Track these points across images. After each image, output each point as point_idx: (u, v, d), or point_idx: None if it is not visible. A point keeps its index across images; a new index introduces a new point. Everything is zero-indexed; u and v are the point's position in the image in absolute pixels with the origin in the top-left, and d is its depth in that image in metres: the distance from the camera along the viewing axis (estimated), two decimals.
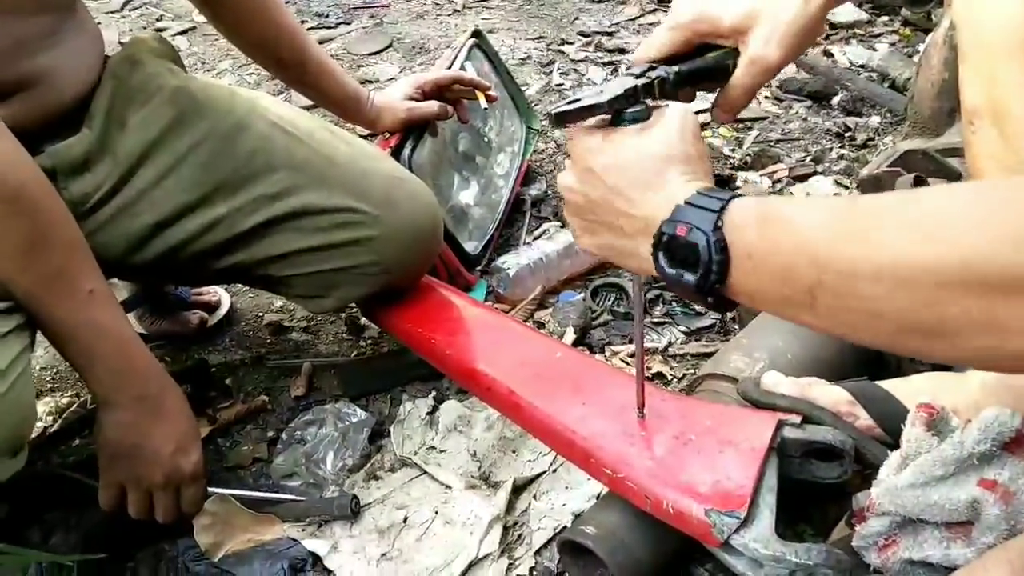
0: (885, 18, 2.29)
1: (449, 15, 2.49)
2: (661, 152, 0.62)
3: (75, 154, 0.96)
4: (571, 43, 2.25)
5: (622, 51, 2.18)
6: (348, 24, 2.46)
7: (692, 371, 1.17)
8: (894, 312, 0.47)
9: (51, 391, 1.26)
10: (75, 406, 1.21)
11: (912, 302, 0.46)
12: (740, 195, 0.57)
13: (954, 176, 1.14)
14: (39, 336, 0.86)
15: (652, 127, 0.64)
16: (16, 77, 0.89)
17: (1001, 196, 0.44)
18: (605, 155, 0.64)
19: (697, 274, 0.56)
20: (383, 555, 0.95)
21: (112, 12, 2.57)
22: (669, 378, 1.17)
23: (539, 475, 1.02)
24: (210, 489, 0.98)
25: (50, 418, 1.19)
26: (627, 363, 1.19)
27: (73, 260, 0.84)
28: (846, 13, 2.28)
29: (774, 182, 1.59)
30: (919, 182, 1.06)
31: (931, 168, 1.14)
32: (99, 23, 1.08)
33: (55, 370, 1.30)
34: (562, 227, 1.48)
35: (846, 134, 1.74)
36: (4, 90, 0.87)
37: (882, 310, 0.47)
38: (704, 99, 0.85)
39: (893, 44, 2.15)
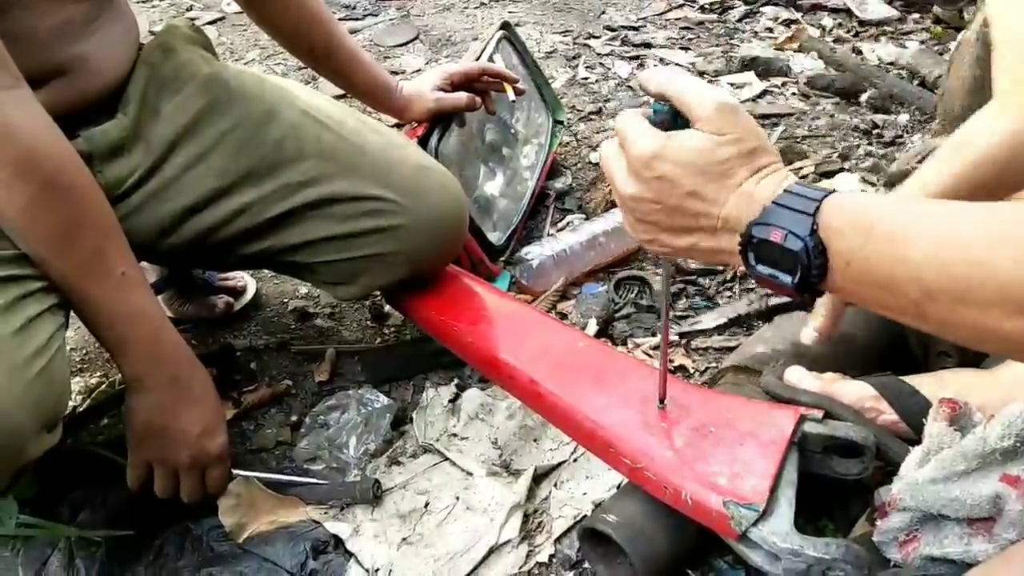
0: (916, 15, 2.27)
1: (475, 8, 2.50)
2: (729, 147, 0.61)
3: (110, 139, 0.98)
4: (597, 37, 2.24)
5: (648, 46, 2.18)
6: (375, 16, 2.48)
7: (715, 364, 1.17)
8: (1010, 331, 0.48)
9: (80, 372, 1.28)
10: (103, 386, 1.23)
11: None
12: (830, 192, 0.56)
13: None
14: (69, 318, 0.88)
15: (709, 124, 0.62)
16: (55, 62, 0.91)
17: None
18: (671, 158, 0.61)
19: (794, 277, 0.56)
20: (404, 539, 0.96)
21: (143, 1, 2.59)
22: (691, 371, 1.17)
23: (560, 464, 1.02)
24: (234, 471, 1.00)
25: (79, 398, 1.21)
26: (649, 355, 1.19)
27: (108, 243, 0.85)
28: (876, 10, 2.26)
29: (800, 178, 1.58)
30: None
31: None
32: None
33: (84, 351, 1.33)
34: (586, 219, 1.48)
35: (874, 131, 1.73)
36: (43, 75, 0.88)
37: (996, 328, 0.48)
38: None
39: (923, 42, 2.13)
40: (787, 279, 0.57)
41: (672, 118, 0.65)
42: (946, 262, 0.50)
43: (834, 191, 0.57)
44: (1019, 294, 0.46)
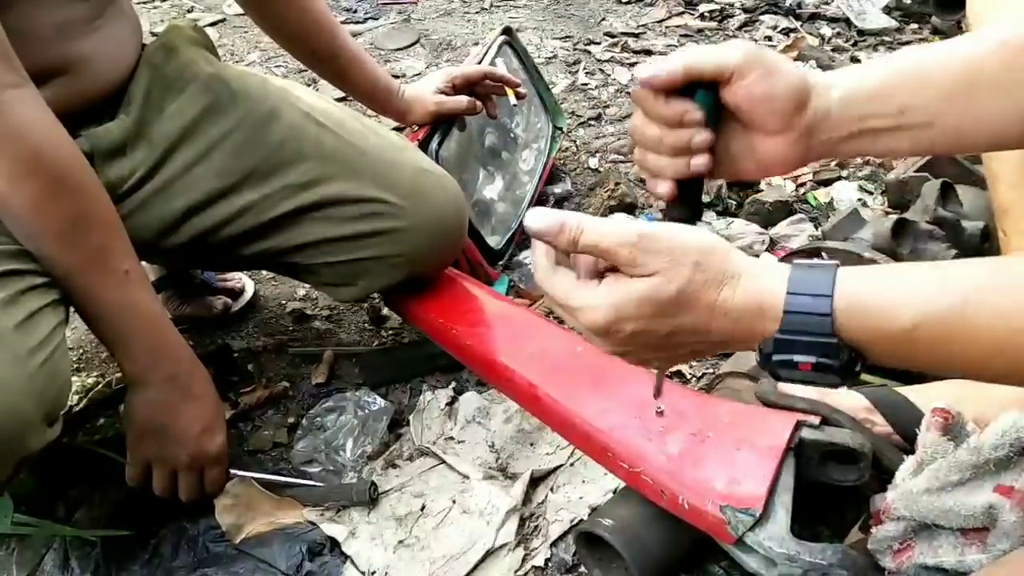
0: (914, 25, 2.28)
1: (476, 13, 2.50)
2: (671, 282, 0.55)
3: (112, 139, 0.98)
4: (597, 43, 2.25)
5: (648, 52, 2.18)
6: (376, 19, 2.48)
7: (712, 370, 1.17)
8: None
9: (77, 371, 1.28)
10: (101, 386, 1.23)
11: None
12: (839, 279, 0.53)
13: (981, 182, 1.14)
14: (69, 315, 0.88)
15: (638, 269, 0.56)
16: (58, 61, 0.91)
17: None
18: (628, 317, 0.56)
19: (837, 379, 0.55)
20: (400, 542, 0.96)
21: (144, 2, 2.60)
22: (688, 376, 1.17)
23: (556, 468, 1.02)
24: (232, 471, 1.00)
25: (76, 397, 1.21)
26: None
27: (111, 240, 0.86)
28: (875, 20, 2.28)
29: (798, 186, 1.59)
30: (946, 187, 1.06)
31: (958, 173, 1.14)
32: None
33: (81, 351, 1.33)
34: None
35: None
36: (46, 73, 0.89)
37: None
38: None
39: None
40: (830, 379, 0.55)
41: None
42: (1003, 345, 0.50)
43: (836, 267, 0.54)
44: None
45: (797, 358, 0.54)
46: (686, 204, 0.68)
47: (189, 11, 2.55)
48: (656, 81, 0.63)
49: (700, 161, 0.64)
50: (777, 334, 0.54)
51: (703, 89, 0.63)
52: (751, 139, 0.65)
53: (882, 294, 0.53)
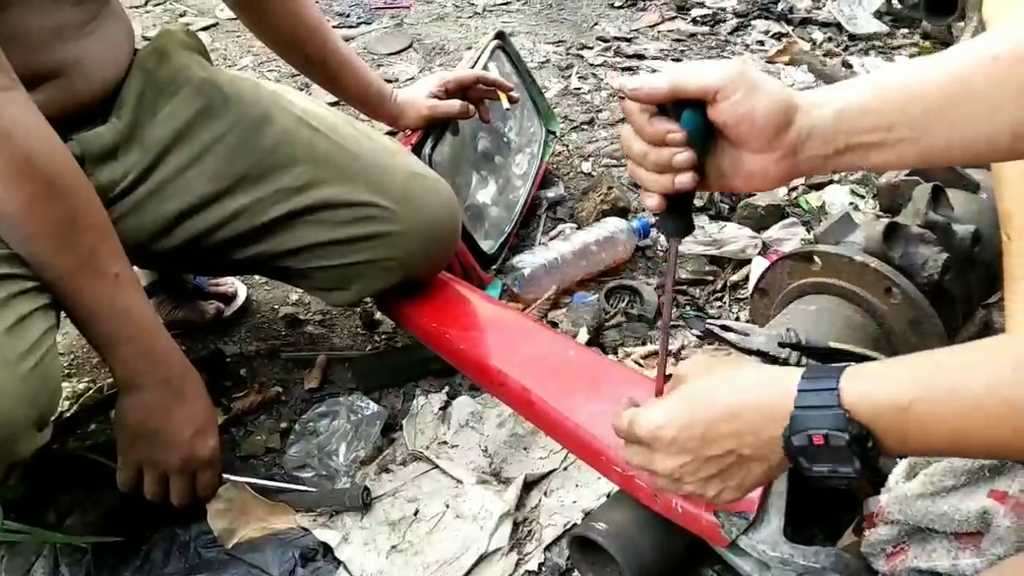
0: (905, 30, 2.29)
1: (469, 17, 2.51)
2: (733, 386, 0.64)
3: (104, 142, 0.98)
4: (590, 48, 2.26)
5: (640, 57, 2.19)
6: (369, 24, 2.48)
7: None
8: None
9: (68, 377, 1.27)
10: (91, 391, 1.22)
11: None
12: (839, 370, 0.58)
13: (972, 186, 1.15)
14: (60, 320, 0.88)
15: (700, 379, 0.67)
16: (51, 65, 0.91)
17: None
18: (692, 426, 0.64)
19: (854, 466, 0.58)
20: (393, 547, 0.96)
21: (136, 6, 2.59)
22: None
23: (550, 472, 1.02)
24: (224, 476, 1.00)
25: (66, 403, 1.20)
26: (640, 364, 1.20)
27: (102, 244, 0.86)
28: (866, 25, 2.29)
29: (790, 190, 1.60)
30: (937, 191, 1.06)
31: (950, 178, 1.14)
32: None
33: (72, 356, 1.32)
34: (577, 228, 1.49)
35: None
36: (38, 77, 0.88)
37: None
38: None
39: (912, 56, 2.15)
40: (848, 469, 0.59)
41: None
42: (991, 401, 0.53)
43: (847, 366, 0.59)
44: None
45: (809, 430, 0.58)
46: (676, 216, 0.69)
47: (182, 15, 2.55)
48: (640, 95, 0.64)
49: (683, 179, 0.65)
50: (791, 411, 0.59)
51: (689, 108, 0.64)
52: (739, 155, 0.66)
53: (882, 374, 0.59)
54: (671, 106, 0.64)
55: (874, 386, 0.58)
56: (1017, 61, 0.57)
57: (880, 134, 0.61)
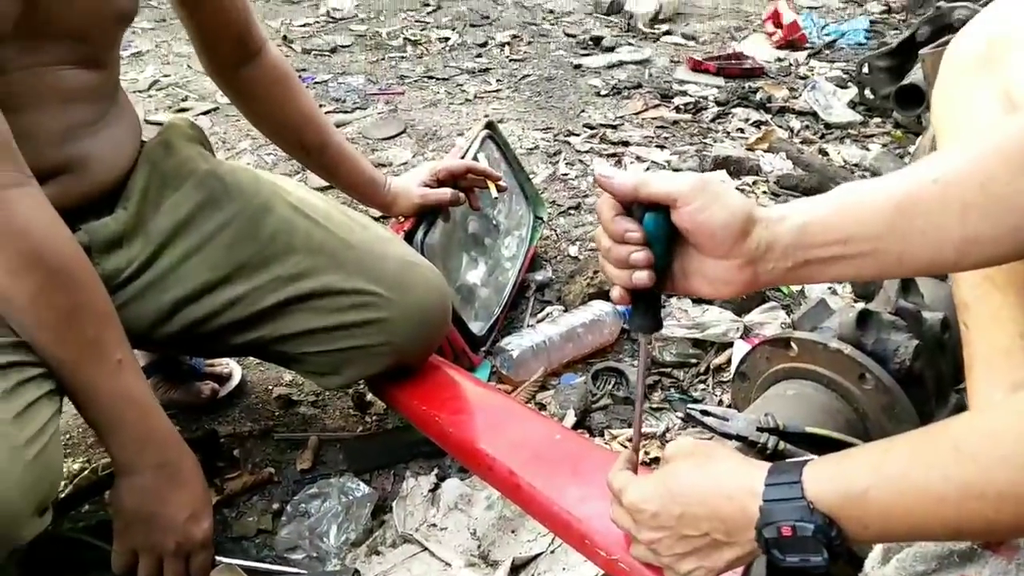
0: (878, 119, 2.40)
1: (460, 104, 2.60)
2: (710, 470, 0.69)
3: (110, 232, 1.02)
4: (577, 134, 2.34)
5: (625, 143, 2.27)
6: (364, 109, 2.57)
7: None
8: None
9: (63, 457, 1.28)
10: (86, 472, 1.23)
11: None
12: (800, 463, 0.63)
13: (940, 274, 1.19)
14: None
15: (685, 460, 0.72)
16: (61, 161, 0.96)
17: None
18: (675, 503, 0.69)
19: (823, 555, 0.62)
20: None
21: (140, 91, 2.68)
22: None
23: (537, 555, 1.04)
24: (217, 558, 1.01)
25: (62, 483, 1.21)
26: (626, 447, 1.22)
27: (106, 331, 0.89)
28: (841, 114, 2.39)
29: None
30: (907, 280, 1.11)
31: None
32: None
33: (68, 435, 1.33)
34: (565, 311, 1.53)
35: None
36: (49, 172, 0.93)
37: None
38: None
39: (885, 144, 2.24)
40: (818, 559, 0.62)
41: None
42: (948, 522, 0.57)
43: (810, 459, 0.63)
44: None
45: (777, 523, 0.62)
46: (642, 313, 0.74)
47: (183, 100, 2.63)
48: (607, 183, 0.69)
49: (640, 276, 0.70)
50: (760, 504, 0.63)
51: (653, 211, 0.68)
52: (703, 261, 0.70)
53: (841, 464, 0.62)
54: (636, 207, 0.69)
55: (832, 476, 0.61)
56: (953, 183, 0.62)
57: (838, 248, 0.66)
